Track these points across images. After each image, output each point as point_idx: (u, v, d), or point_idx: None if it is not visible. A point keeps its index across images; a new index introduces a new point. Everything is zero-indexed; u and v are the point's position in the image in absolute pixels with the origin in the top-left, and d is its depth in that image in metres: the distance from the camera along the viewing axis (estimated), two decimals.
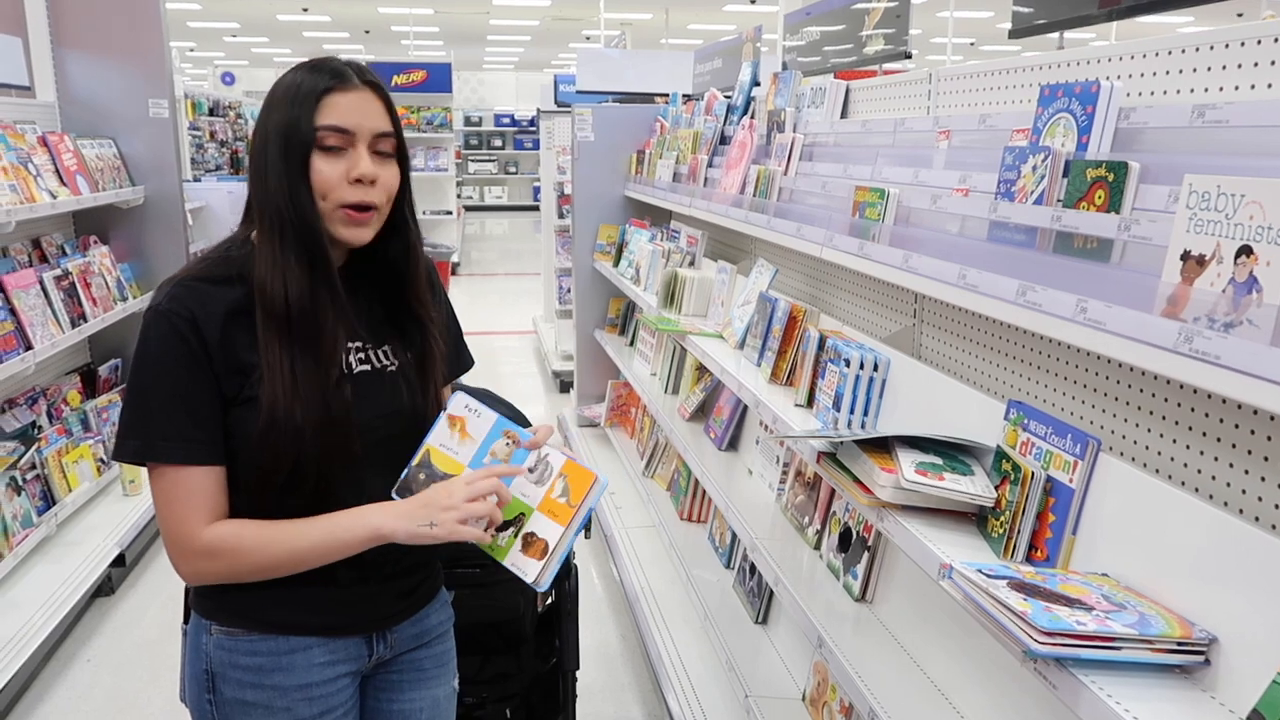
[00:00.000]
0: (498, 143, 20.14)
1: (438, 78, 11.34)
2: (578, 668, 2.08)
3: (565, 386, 5.83)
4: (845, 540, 2.07)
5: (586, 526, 1.43)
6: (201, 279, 1.24)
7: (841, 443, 1.50)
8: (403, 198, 1.31)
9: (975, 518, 1.48)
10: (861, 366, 1.93)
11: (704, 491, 3.20)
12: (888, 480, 1.46)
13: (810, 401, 2.16)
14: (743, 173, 2.95)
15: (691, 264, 3.58)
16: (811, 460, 1.75)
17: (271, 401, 1.20)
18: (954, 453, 1.54)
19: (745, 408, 3.00)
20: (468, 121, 19.62)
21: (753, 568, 2.73)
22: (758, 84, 3.44)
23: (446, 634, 1.50)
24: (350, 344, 1.31)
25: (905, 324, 2.20)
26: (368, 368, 1.32)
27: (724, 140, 3.42)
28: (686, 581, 2.96)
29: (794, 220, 2.32)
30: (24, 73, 3.86)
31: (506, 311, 8.75)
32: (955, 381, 1.78)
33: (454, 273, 10.63)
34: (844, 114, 2.74)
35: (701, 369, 3.38)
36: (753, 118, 3.11)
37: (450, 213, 11.18)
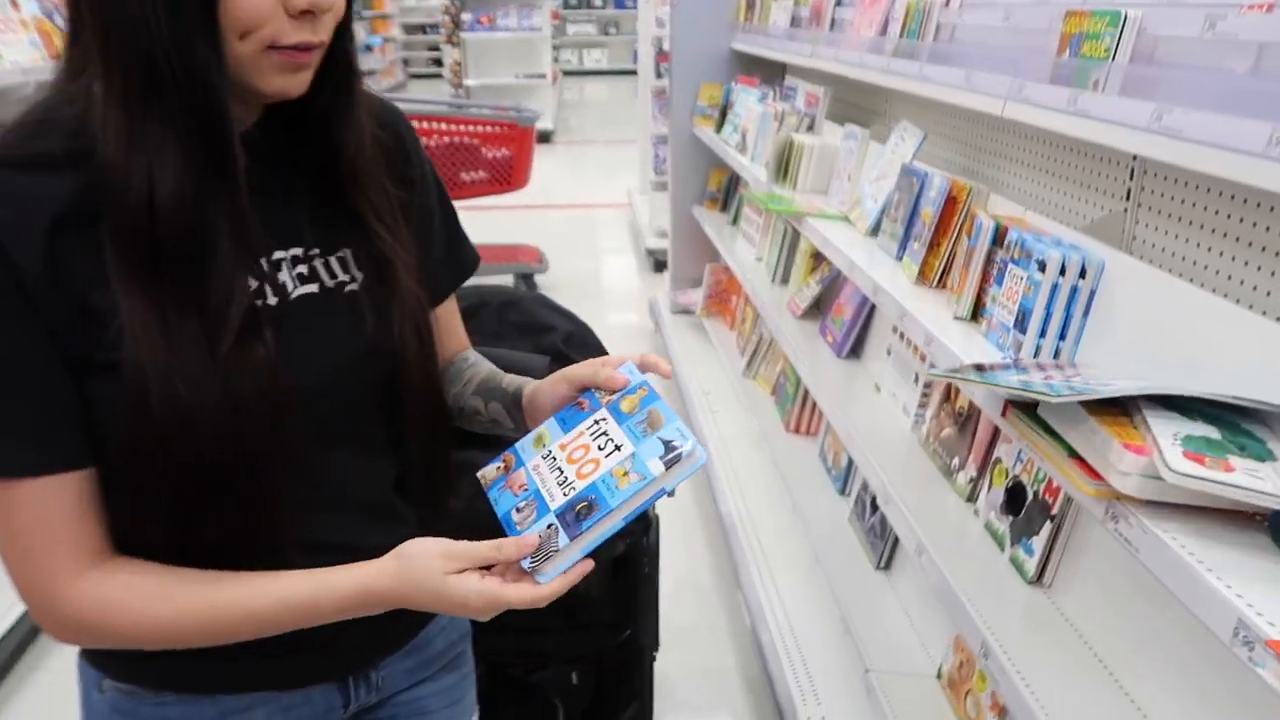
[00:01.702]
0: (598, 1, 19.03)
1: None
2: (657, 648, 1.67)
3: (660, 266, 5.32)
4: (1016, 500, 1.56)
5: (670, 492, 0.96)
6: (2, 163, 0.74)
7: (1056, 399, 0.98)
8: (343, 23, 0.80)
9: (1265, 517, 0.96)
10: (1063, 271, 1.37)
11: (815, 402, 2.70)
12: (1135, 465, 0.94)
13: (975, 314, 1.62)
14: (884, 9, 2.31)
15: (810, 129, 2.97)
16: (992, 411, 1.23)
17: (136, 374, 0.74)
18: (1231, 417, 1.00)
19: (873, 308, 2.46)
20: None
21: (874, 503, 2.25)
22: None
23: (460, 658, 1.07)
24: (282, 252, 0.84)
25: (1111, 208, 1.61)
26: (313, 288, 0.85)
27: None
28: (792, 511, 2.50)
29: (959, 66, 1.73)
30: None
31: (603, 182, 8.18)
32: (1219, 299, 1.22)
33: (549, 140, 10.08)
34: None
35: (818, 257, 2.83)
36: None
37: (544, 76, 10.52)
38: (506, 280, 5.18)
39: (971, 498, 1.72)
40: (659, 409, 0.85)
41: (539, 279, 5.22)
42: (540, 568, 0.80)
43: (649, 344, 4.53)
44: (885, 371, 2.24)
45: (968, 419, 1.78)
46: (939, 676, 1.86)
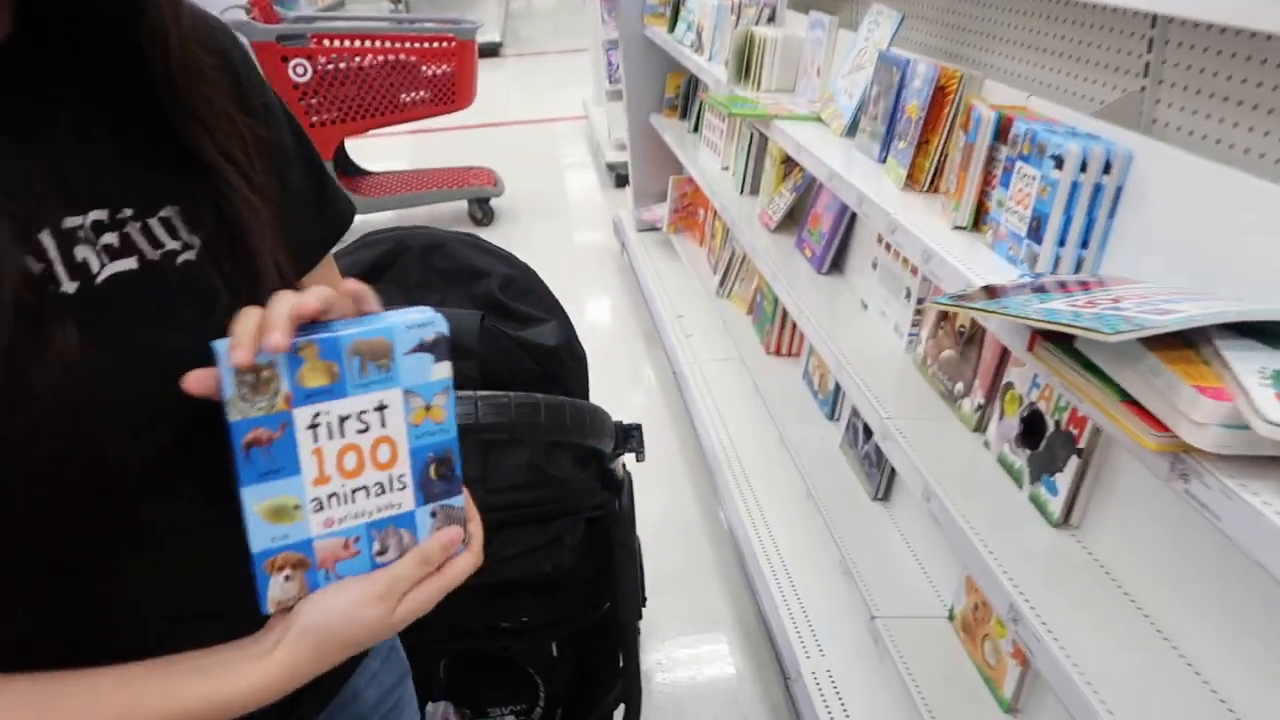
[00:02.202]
0: None
1: None
2: (639, 618, 1.50)
3: (622, 181, 5.05)
4: (1033, 431, 1.38)
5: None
6: None
7: (1114, 337, 0.78)
8: None
9: None
10: (1083, 168, 1.16)
11: (796, 322, 2.51)
12: (1214, 413, 0.75)
13: (977, 223, 1.41)
14: None
15: (771, 19, 2.70)
16: (1015, 344, 1.04)
17: None
18: None
19: (853, 217, 2.24)
20: None
21: (867, 429, 2.07)
22: None
23: (399, 706, 0.88)
24: (76, 217, 0.60)
25: (1126, 88, 1.39)
26: (129, 264, 0.62)
27: None
28: (780, 442, 2.32)
29: None
30: None
31: (558, 94, 7.79)
32: (1269, 184, 1.01)
33: (497, 54, 9.60)
34: None
35: (789, 163, 2.59)
36: None
37: None
38: (460, 207, 4.90)
39: (980, 428, 1.54)
40: (359, 339, 0.63)
41: (495, 203, 4.94)
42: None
43: (614, 264, 4.30)
44: (872, 287, 2.04)
45: (971, 339, 1.59)
46: (951, 618, 1.72)
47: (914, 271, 1.82)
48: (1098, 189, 1.17)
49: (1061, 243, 1.19)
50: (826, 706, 1.70)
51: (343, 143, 4.65)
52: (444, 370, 0.65)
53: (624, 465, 1.48)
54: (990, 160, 1.37)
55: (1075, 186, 1.17)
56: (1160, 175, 1.13)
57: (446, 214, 4.94)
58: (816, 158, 1.85)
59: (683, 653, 2.15)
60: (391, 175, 4.93)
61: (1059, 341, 0.96)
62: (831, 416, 2.33)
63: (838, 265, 2.31)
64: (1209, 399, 0.75)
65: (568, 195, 5.45)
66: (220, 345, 0.60)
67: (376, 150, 6.09)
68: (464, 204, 4.88)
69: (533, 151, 6.29)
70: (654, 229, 3.99)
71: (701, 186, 3.14)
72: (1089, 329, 0.79)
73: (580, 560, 1.49)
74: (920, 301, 1.80)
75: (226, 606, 0.65)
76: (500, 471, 1.06)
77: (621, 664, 1.51)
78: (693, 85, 3.78)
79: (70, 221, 0.60)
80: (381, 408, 0.64)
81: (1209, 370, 0.78)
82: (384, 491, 0.66)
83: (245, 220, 0.65)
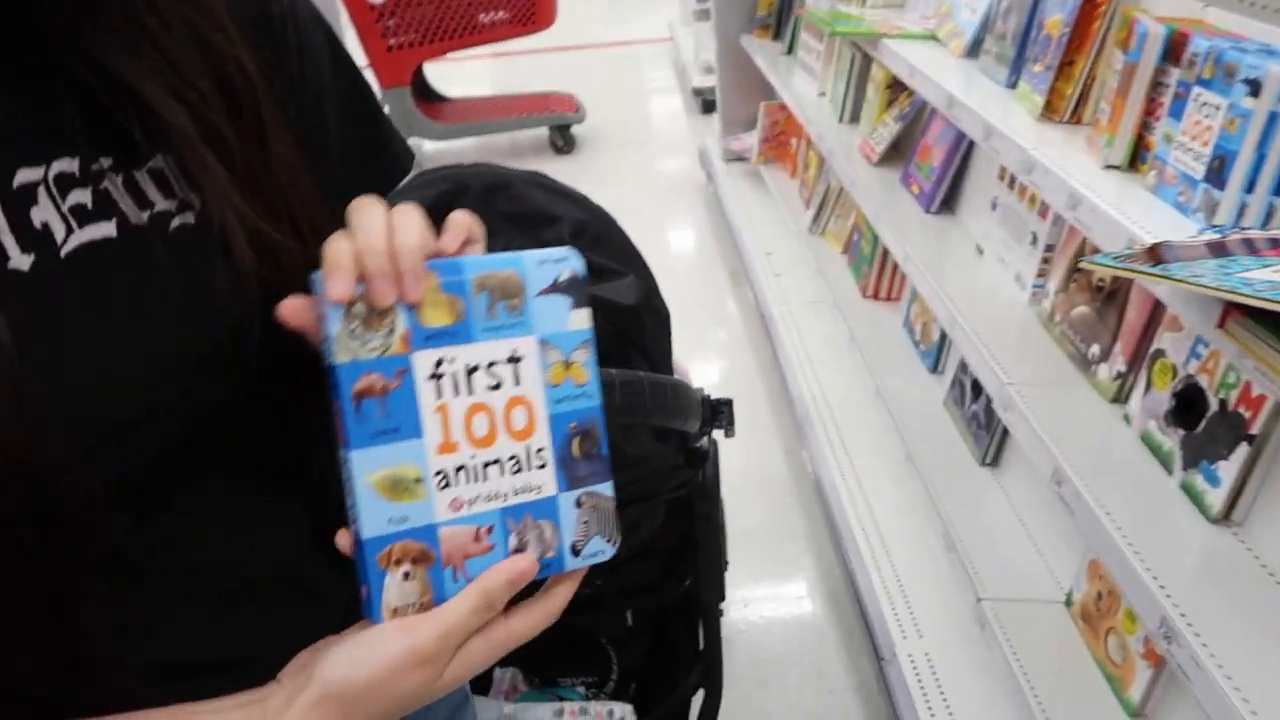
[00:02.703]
0: None
1: None
2: (722, 599, 1.36)
3: (709, 107, 4.79)
4: (1190, 408, 1.18)
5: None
6: None
7: None
8: None
9: None
10: None
11: (898, 265, 2.30)
12: None
13: (1134, 162, 1.19)
14: None
15: None
16: (1198, 320, 0.84)
17: None
18: None
19: (970, 148, 2.01)
20: None
21: (975, 386, 1.88)
22: None
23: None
24: (32, 170, 0.46)
25: None
26: (105, 229, 0.48)
27: None
28: (876, 395, 2.14)
29: None
30: None
31: (643, 15, 7.48)
32: None
33: None
34: None
35: (895, 88, 2.35)
36: None
37: None
38: (540, 135, 4.73)
39: (1119, 399, 1.34)
40: (483, 271, 0.52)
41: (576, 130, 4.76)
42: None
43: (700, 197, 4.10)
44: (990, 230, 1.81)
45: (1112, 295, 1.37)
46: (1068, 604, 1.54)
47: (1043, 214, 1.60)
48: None
49: (1249, 188, 0.98)
50: (924, 693, 1.56)
51: (421, 67, 4.51)
52: (583, 319, 0.54)
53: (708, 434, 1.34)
54: (1155, 86, 1.15)
55: (1274, 118, 0.95)
56: None
57: (527, 142, 4.78)
58: (933, 82, 1.63)
59: (763, 616, 2.02)
60: (470, 101, 4.78)
61: (1258, 316, 0.77)
62: (935, 369, 2.14)
63: (949, 204, 2.09)
64: None
65: (652, 122, 5.23)
66: (318, 275, 0.48)
67: (456, 75, 5.95)
68: (544, 132, 4.71)
69: (616, 76, 6.05)
70: (742, 159, 3.77)
71: (795, 114, 2.91)
72: None
73: (659, 532, 1.36)
74: (1049, 249, 1.58)
75: (250, 649, 0.53)
76: None
77: (702, 647, 1.39)
78: (787, 2, 3.50)
79: (25, 175, 0.47)
80: (514, 359, 0.52)
81: None
82: (520, 469, 0.53)
83: (199, 180, 0.50)
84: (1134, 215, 1.06)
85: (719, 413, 1.14)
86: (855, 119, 2.61)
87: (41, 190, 0.47)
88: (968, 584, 1.59)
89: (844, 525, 1.94)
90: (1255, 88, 0.95)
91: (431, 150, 4.73)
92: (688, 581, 1.37)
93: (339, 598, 0.55)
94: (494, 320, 0.51)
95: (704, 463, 1.28)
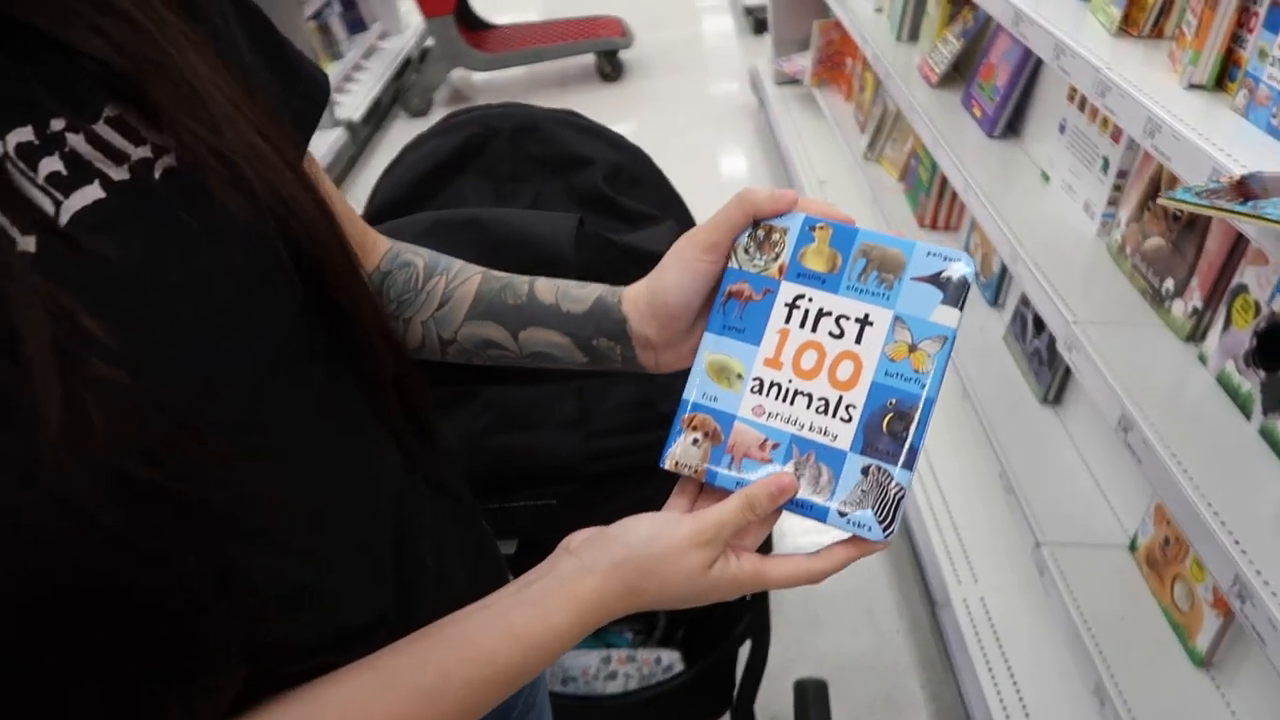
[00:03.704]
0: None
1: None
2: (770, 548, 1.32)
3: (760, 26, 4.62)
4: (1273, 350, 1.10)
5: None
6: None
7: None
8: None
9: None
10: None
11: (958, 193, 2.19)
12: None
13: (1220, 81, 1.09)
14: None
15: None
16: None
17: None
18: None
19: (1038, 65, 1.88)
20: None
21: (1038, 321, 1.79)
22: None
23: (533, 695, 0.78)
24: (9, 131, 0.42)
25: None
26: (95, 193, 0.43)
27: None
28: None
29: None
30: None
31: None
32: None
33: None
34: None
35: (958, 2, 2.21)
36: None
37: None
38: (588, 62, 4.61)
39: (1194, 337, 1.26)
40: (872, 241, 0.58)
41: (623, 55, 4.63)
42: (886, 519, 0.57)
43: (751, 123, 3.97)
44: (1058, 155, 1.70)
45: (1191, 225, 1.28)
46: (1133, 549, 1.48)
47: (1115, 138, 1.49)
48: None
49: None
50: (979, 641, 1.52)
51: None
52: (949, 317, 0.56)
53: None
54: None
55: None
56: None
57: (575, 70, 4.66)
58: None
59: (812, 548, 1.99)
60: (515, 29, 4.66)
61: None
62: (995, 303, 2.05)
63: (1014, 128, 1.97)
64: None
65: (703, 44, 5.06)
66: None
67: (506, 1, 5.82)
68: (592, 59, 4.58)
69: None
70: (795, 82, 3.62)
71: (850, 32, 2.77)
72: None
73: None
74: (1122, 175, 1.48)
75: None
76: (600, 412, 0.88)
77: (750, 596, 1.36)
78: None
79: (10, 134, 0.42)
80: (865, 322, 0.57)
81: None
82: (826, 411, 0.58)
83: (164, 118, 0.46)
84: (1220, 141, 0.97)
85: None
86: (915, 37, 2.48)
87: (9, 165, 0.42)
88: (1026, 528, 1.53)
89: None
90: None
91: (480, 81, 4.64)
92: None
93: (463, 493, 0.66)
94: (863, 284, 0.57)
95: None
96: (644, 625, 1.49)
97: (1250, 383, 1.12)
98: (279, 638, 0.50)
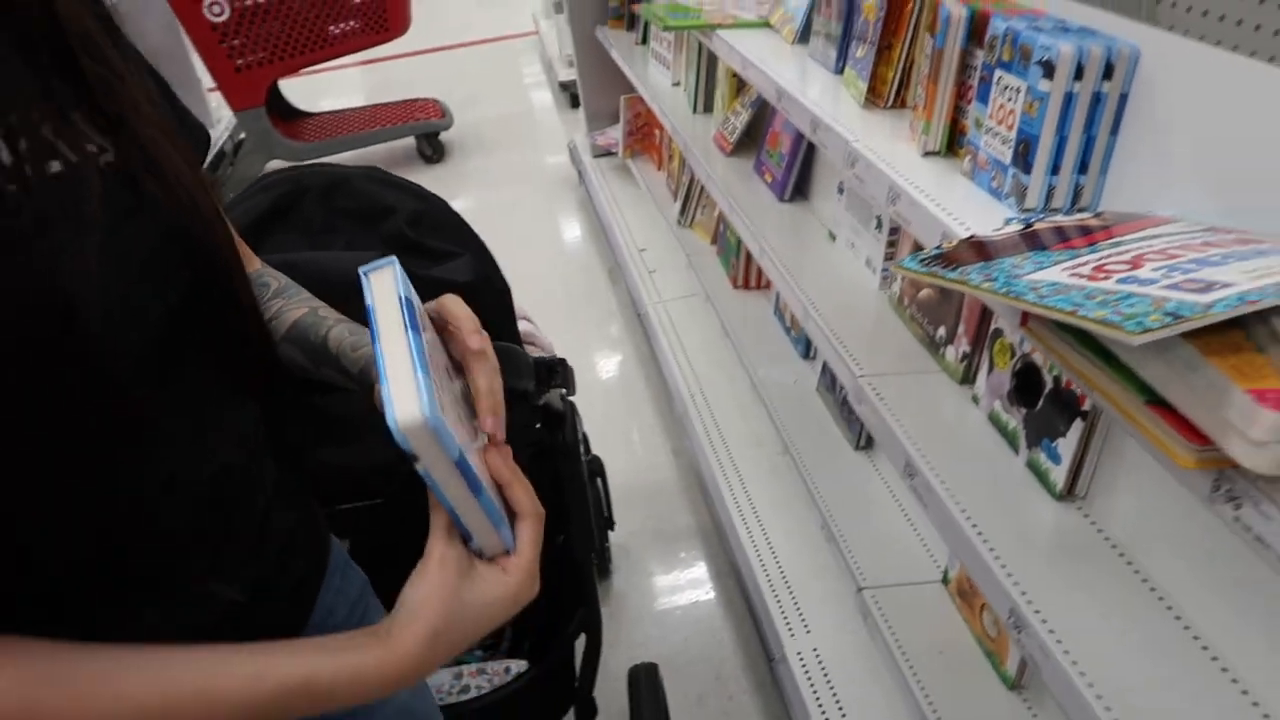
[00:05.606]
0: None
1: None
2: (594, 550, 1.37)
3: (576, 100, 4.73)
4: (1029, 387, 1.18)
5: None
6: None
7: (1139, 336, 0.57)
8: None
9: None
10: (1079, 74, 0.93)
11: None
12: (1277, 428, 0.55)
13: (951, 146, 1.18)
14: None
15: None
16: (1008, 317, 0.83)
17: None
18: None
19: None
20: None
21: None
22: None
23: (366, 612, 0.87)
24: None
25: None
26: (55, 167, 0.54)
27: None
28: (752, 387, 2.13)
29: None
30: None
31: (510, 9, 7.36)
32: None
33: None
34: None
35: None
36: None
37: None
38: (408, 145, 4.60)
39: (967, 379, 1.34)
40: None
41: (449, 134, 4.64)
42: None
43: (575, 195, 4.04)
44: (840, 215, 1.81)
45: None
46: (945, 582, 1.55)
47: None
48: (1097, 99, 0.94)
49: (1055, 170, 0.98)
50: (814, 691, 1.55)
51: (275, 85, 4.32)
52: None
53: (563, 395, 1.33)
54: (964, 69, 1.14)
55: (1069, 99, 0.94)
56: (1174, 77, 0.90)
57: (401, 152, 4.64)
58: (763, 73, 1.60)
59: (655, 629, 1.99)
60: (331, 116, 4.61)
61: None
62: (806, 355, 2.14)
63: (801, 190, 2.08)
64: (1270, 409, 0.55)
65: (523, 119, 5.14)
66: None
67: (325, 86, 5.75)
68: (412, 142, 4.57)
69: (487, 73, 5.93)
70: (610, 153, 3.72)
71: (652, 106, 2.88)
72: (1106, 324, 0.58)
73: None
74: (894, 232, 1.58)
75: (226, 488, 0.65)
76: None
77: (579, 593, 1.39)
78: None
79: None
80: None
81: (1266, 363, 0.58)
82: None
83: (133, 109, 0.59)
84: (950, 205, 1.05)
85: (554, 372, 1.18)
86: (709, 109, 2.59)
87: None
88: (849, 574, 1.58)
89: (728, 523, 1.92)
90: (1049, 69, 0.94)
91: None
92: (561, 538, 1.36)
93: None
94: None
95: (561, 424, 1.28)
96: (492, 640, 1.53)
97: (1014, 419, 1.21)
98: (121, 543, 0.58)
